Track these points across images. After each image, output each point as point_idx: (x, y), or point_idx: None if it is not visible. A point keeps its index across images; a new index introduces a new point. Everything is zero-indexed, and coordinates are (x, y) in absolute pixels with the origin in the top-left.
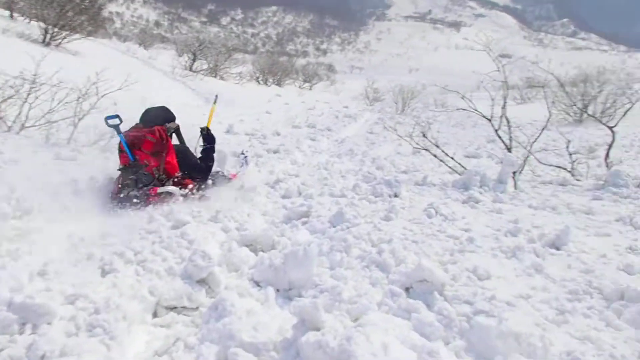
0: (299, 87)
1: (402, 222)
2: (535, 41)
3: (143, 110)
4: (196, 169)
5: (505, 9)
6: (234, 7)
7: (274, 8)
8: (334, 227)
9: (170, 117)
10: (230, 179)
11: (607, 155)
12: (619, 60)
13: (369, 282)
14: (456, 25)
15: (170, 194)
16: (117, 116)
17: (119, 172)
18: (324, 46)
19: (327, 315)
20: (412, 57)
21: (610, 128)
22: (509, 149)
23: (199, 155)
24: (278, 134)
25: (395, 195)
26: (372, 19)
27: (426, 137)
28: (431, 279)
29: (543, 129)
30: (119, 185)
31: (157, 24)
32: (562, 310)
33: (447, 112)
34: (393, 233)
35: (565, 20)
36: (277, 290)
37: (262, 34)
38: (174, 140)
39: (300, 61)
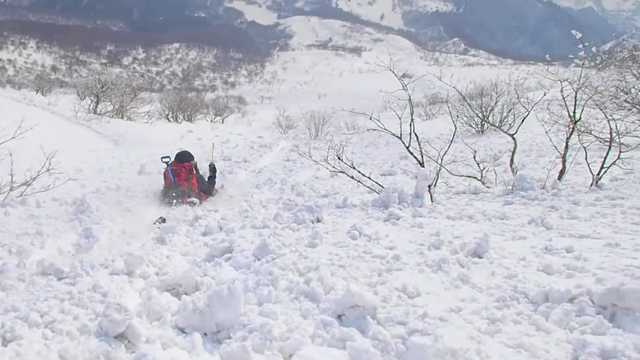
0: (211, 121)
1: (327, 247)
2: (432, 60)
3: (177, 152)
4: (206, 188)
5: (400, 32)
6: (134, 46)
7: (176, 45)
8: (259, 260)
9: (192, 158)
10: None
11: (512, 161)
12: (507, 72)
13: (299, 314)
14: (357, 51)
15: (194, 202)
16: (168, 156)
17: (164, 189)
18: (231, 79)
19: (259, 357)
20: (319, 83)
21: (512, 135)
22: (421, 164)
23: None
24: None
25: (318, 221)
26: (275, 49)
27: (341, 160)
28: (362, 303)
29: (451, 142)
30: (164, 197)
31: (54, 68)
32: (493, 320)
33: (359, 133)
34: (319, 259)
35: (455, 39)
36: (205, 334)
37: (167, 72)
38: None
39: (210, 95)
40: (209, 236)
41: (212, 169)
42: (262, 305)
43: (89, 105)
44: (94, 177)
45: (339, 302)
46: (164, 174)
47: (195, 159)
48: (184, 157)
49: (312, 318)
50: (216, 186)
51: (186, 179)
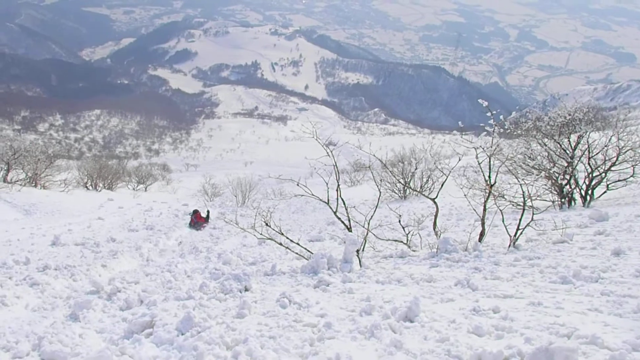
0: (133, 189)
1: (257, 317)
2: (355, 129)
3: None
4: (206, 221)
5: (324, 102)
6: (51, 112)
7: (97, 111)
8: (183, 334)
9: (198, 210)
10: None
11: (435, 224)
12: (426, 141)
13: None
14: (283, 119)
15: (204, 226)
16: (195, 210)
17: (193, 224)
18: (155, 146)
19: None
20: (245, 150)
21: (433, 200)
22: (349, 229)
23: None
24: (113, 240)
25: (246, 289)
26: (201, 117)
27: (269, 226)
28: None
29: (376, 207)
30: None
31: None
32: None
33: (286, 199)
34: (248, 331)
35: (376, 109)
36: None
37: (86, 138)
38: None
39: (132, 163)
40: (128, 311)
41: (207, 212)
42: None
43: None
44: (0, 250)
45: None
46: (190, 220)
47: (198, 210)
48: (195, 211)
49: None
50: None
51: (200, 218)
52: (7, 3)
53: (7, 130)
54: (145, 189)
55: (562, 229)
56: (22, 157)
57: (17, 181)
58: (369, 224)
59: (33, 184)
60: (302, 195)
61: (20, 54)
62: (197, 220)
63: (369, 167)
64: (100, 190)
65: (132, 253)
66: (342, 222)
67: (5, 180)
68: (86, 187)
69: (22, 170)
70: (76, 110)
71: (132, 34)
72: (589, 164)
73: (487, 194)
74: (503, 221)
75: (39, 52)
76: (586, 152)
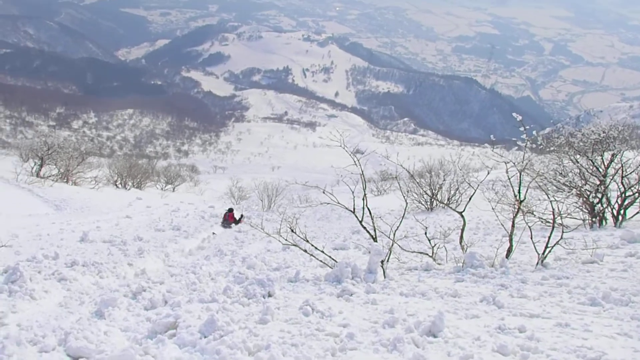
0: (162, 189)
1: (279, 323)
2: (383, 138)
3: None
4: (238, 222)
5: (354, 110)
6: (85, 110)
7: (130, 111)
8: (205, 337)
9: (232, 209)
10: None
11: (461, 238)
12: (455, 152)
13: None
14: (312, 125)
15: (232, 225)
16: (230, 208)
17: (223, 221)
18: (185, 147)
19: None
20: (273, 155)
21: (460, 213)
22: (374, 239)
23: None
24: (140, 239)
25: (269, 295)
26: (231, 120)
27: (294, 232)
28: None
29: (402, 218)
30: (223, 224)
31: None
32: None
33: (312, 206)
34: (270, 337)
35: (405, 119)
36: None
37: (118, 137)
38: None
39: (162, 163)
40: (152, 310)
41: (241, 215)
42: None
43: (32, 168)
44: (31, 244)
45: None
46: (223, 217)
47: (234, 209)
48: (230, 210)
49: None
50: (242, 220)
51: (231, 218)
52: (48, 2)
53: (43, 126)
54: (173, 189)
55: (592, 249)
56: (55, 152)
57: (50, 176)
58: (394, 234)
59: (64, 180)
60: (328, 203)
61: (59, 52)
62: (228, 220)
63: (396, 177)
64: (129, 189)
65: (158, 253)
66: (368, 231)
67: (38, 175)
68: (116, 185)
69: (54, 166)
70: (109, 108)
71: (167, 36)
72: (622, 182)
73: (516, 210)
74: (531, 238)
75: (76, 51)
76: (619, 171)
